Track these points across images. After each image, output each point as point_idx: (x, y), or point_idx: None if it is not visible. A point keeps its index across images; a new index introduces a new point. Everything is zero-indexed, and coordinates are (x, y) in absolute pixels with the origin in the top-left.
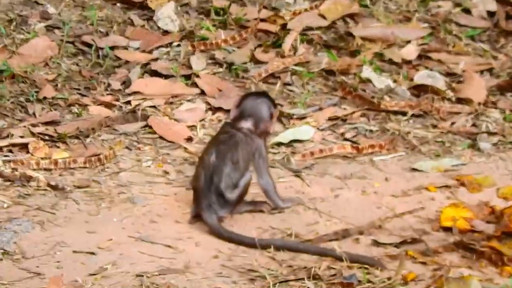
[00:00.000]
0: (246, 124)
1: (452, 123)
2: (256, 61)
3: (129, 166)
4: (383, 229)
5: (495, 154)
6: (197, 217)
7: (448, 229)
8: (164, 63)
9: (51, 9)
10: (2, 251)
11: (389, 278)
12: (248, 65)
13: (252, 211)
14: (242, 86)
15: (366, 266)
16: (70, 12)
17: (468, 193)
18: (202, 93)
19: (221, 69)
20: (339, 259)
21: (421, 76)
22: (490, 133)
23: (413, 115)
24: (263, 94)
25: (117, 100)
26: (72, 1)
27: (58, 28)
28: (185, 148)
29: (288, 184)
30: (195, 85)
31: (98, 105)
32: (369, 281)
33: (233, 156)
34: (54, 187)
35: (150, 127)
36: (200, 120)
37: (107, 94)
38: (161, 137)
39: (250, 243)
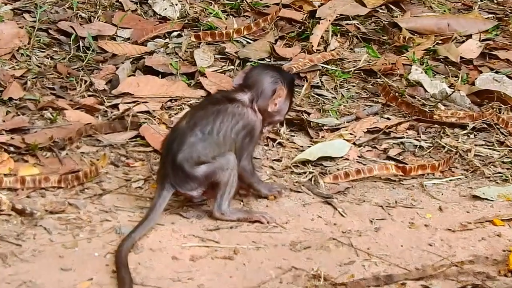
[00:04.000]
0: (242, 96)
1: None
2: (277, 57)
3: (115, 187)
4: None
5: None
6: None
7: None
8: (161, 57)
9: None
10: None
11: None
12: (266, 62)
13: (247, 221)
14: None
15: None
16: None
17: None
18: (208, 95)
19: (232, 66)
20: None
21: (485, 80)
22: None
23: (474, 129)
24: (275, 68)
25: (101, 103)
26: None
27: (29, 12)
28: None
29: (316, 213)
30: (199, 85)
31: (77, 109)
32: None
33: (207, 125)
34: (21, 212)
35: (143, 137)
36: None
37: (89, 96)
38: (155, 151)
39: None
